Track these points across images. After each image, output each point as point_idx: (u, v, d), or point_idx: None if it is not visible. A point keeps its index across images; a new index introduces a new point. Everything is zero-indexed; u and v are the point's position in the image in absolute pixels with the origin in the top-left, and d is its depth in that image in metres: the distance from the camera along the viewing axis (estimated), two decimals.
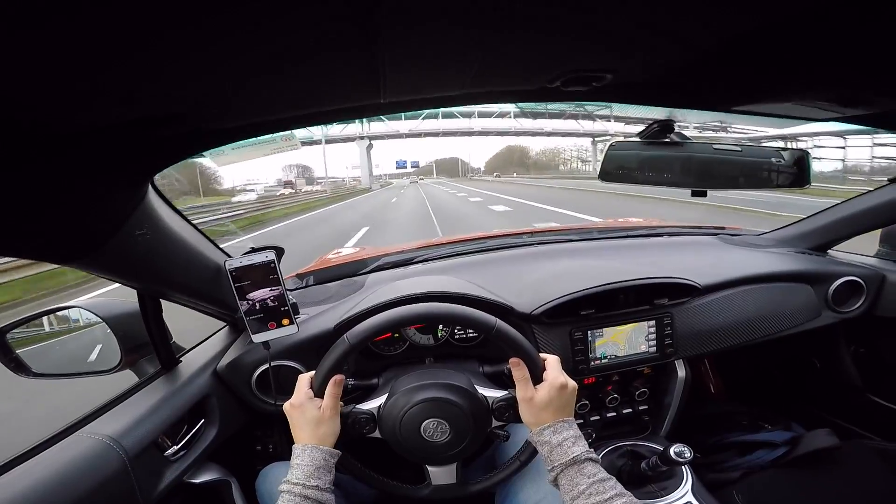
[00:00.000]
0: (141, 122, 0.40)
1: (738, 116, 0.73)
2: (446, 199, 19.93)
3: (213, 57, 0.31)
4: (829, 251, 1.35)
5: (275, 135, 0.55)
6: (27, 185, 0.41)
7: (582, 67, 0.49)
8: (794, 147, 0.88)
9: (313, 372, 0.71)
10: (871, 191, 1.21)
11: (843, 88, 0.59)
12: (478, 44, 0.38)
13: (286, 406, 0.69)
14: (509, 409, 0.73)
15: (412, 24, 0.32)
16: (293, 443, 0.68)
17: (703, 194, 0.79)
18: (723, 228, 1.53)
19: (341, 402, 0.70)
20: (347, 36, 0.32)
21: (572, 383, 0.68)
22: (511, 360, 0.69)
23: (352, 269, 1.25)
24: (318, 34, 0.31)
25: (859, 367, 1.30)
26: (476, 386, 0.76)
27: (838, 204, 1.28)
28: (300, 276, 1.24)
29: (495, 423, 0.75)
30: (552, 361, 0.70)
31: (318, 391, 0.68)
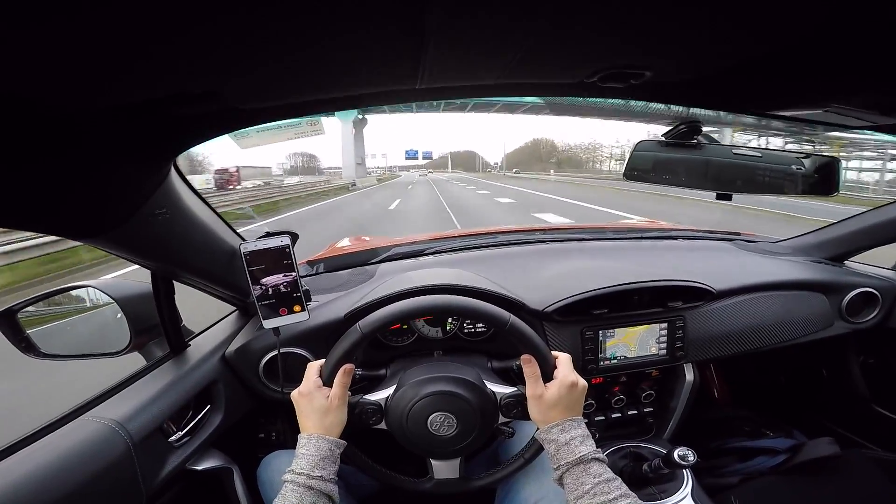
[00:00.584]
0: (175, 99, 0.39)
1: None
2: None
3: (259, 32, 0.30)
4: (845, 262, 1.34)
5: (300, 119, 0.54)
6: (56, 161, 0.40)
7: (622, 64, 0.48)
8: (824, 154, 0.87)
9: (322, 360, 0.70)
10: (892, 203, 1.19)
11: (884, 96, 0.58)
12: (523, 32, 0.37)
13: (294, 394, 0.68)
14: (517, 406, 0.72)
15: (464, 5, 0.30)
16: (297, 431, 0.67)
17: (728, 197, 0.78)
18: (738, 234, 1.52)
19: (349, 392, 0.69)
20: (396, 13, 0.30)
21: (583, 382, 0.67)
22: (522, 357, 0.68)
23: (363, 258, 1.25)
24: (368, 10, 0.29)
25: (867, 377, 1.30)
26: (485, 381, 0.75)
27: (858, 214, 1.27)
28: (311, 263, 1.23)
29: (502, 419, 0.74)
30: (563, 359, 0.69)
31: (327, 380, 0.68)
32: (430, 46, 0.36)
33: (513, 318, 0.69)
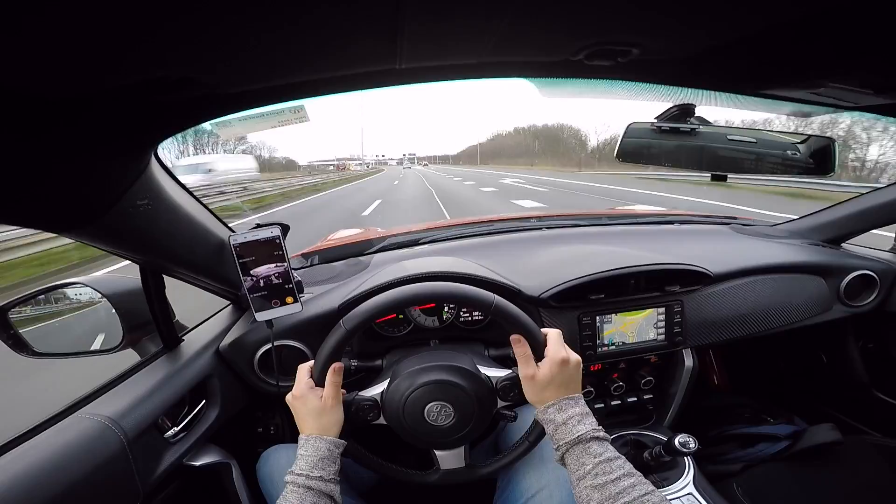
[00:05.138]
0: (148, 86, 0.38)
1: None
2: None
3: (229, 10, 0.29)
4: (843, 244, 1.33)
5: (282, 105, 0.53)
6: (25, 149, 0.40)
7: (609, 40, 0.46)
8: (819, 135, 0.86)
9: (313, 361, 0.69)
10: (889, 185, 1.18)
11: (878, 75, 0.57)
12: (505, 4, 0.36)
13: (288, 397, 0.68)
14: (514, 389, 0.71)
15: None
16: (295, 425, 0.67)
17: (724, 178, 0.78)
18: (735, 218, 1.51)
19: (343, 390, 0.69)
20: None
21: (575, 357, 0.65)
22: (512, 337, 0.67)
23: (357, 249, 1.24)
24: None
25: (867, 362, 1.29)
26: (479, 367, 0.74)
27: (855, 197, 1.26)
28: (305, 256, 1.23)
29: (501, 403, 0.73)
30: (553, 336, 0.67)
31: (319, 380, 0.67)
32: (408, 18, 0.35)
33: (497, 299, 0.67)
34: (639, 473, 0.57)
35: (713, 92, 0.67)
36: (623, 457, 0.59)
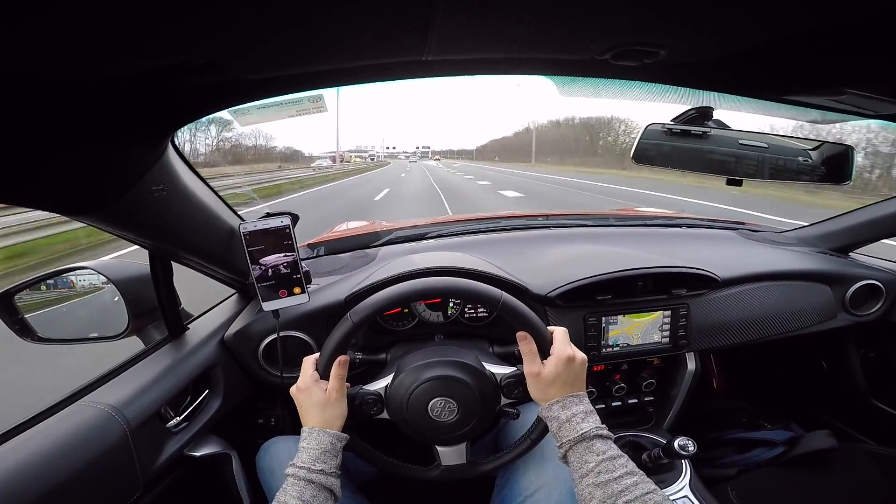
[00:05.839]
0: (171, 69, 0.37)
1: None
2: None
3: None
4: (850, 254, 1.33)
5: (301, 95, 0.52)
6: (47, 134, 0.39)
7: (637, 41, 0.46)
8: (836, 143, 0.85)
9: (318, 354, 0.69)
10: None
11: None
12: (539, 1, 0.35)
13: (292, 390, 0.68)
14: (518, 386, 0.71)
15: None
16: (296, 417, 0.67)
17: (739, 183, 0.77)
18: (742, 223, 1.51)
19: (348, 384, 0.68)
20: None
21: (581, 355, 0.65)
22: (518, 334, 0.67)
23: (364, 241, 1.24)
24: None
25: (867, 371, 1.30)
26: (484, 363, 0.74)
27: (864, 206, 1.26)
28: (311, 246, 1.22)
29: (504, 400, 0.73)
30: (559, 334, 0.67)
31: (324, 373, 0.67)
32: (441, 11, 0.34)
33: (505, 295, 0.67)
34: (641, 472, 0.57)
35: (734, 96, 0.67)
36: (626, 455, 0.59)
